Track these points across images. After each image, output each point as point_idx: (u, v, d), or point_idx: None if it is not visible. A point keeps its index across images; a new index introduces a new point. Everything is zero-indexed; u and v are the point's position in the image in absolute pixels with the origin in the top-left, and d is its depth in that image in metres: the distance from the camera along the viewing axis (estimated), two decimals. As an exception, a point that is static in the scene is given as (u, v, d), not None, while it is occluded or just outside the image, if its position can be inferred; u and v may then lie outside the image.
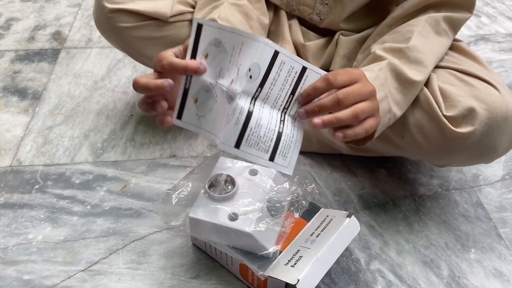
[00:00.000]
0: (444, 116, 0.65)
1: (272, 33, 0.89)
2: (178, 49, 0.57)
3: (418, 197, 0.84)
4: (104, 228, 0.77)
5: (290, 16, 0.88)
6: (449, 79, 0.70)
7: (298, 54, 0.89)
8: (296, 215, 0.66)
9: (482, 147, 0.66)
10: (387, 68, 0.64)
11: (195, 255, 0.73)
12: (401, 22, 0.73)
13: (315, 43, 0.86)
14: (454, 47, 0.77)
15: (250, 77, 0.52)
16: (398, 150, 0.75)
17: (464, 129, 0.64)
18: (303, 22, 0.88)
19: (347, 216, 0.67)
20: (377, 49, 0.68)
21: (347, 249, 0.74)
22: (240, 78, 0.53)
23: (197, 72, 0.53)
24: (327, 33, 0.88)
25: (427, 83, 0.69)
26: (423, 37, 0.69)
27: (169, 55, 0.55)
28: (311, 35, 0.88)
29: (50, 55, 1.19)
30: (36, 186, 0.84)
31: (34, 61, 1.17)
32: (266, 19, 0.83)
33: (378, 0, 0.82)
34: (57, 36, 1.27)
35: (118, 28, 0.80)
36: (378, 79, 0.62)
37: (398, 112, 0.66)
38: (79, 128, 0.97)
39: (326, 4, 0.81)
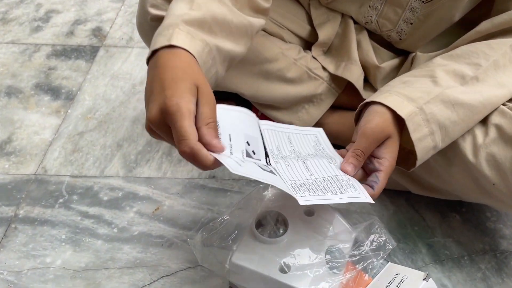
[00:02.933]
0: None
1: (336, 49, 0.77)
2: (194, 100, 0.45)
3: (500, 253, 0.70)
4: (130, 258, 0.67)
5: (359, 29, 0.76)
6: None
7: (368, 76, 0.77)
8: (366, 276, 0.54)
9: None
10: (438, 100, 0.55)
11: (232, 303, 0.62)
12: (485, 38, 0.62)
13: (389, 64, 0.74)
14: None
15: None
16: (487, 198, 0.62)
17: None
18: (373, 37, 0.77)
19: (423, 279, 0.54)
20: (438, 65, 0.59)
21: (414, 313, 0.62)
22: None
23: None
24: (402, 51, 0.76)
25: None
26: (497, 67, 0.57)
27: (190, 131, 0.43)
28: (383, 52, 0.76)
29: (88, 53, 1.11)
30: (60, 200, 0.76)
31: (71, 58, 1.09)
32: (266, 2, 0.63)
33: (463, 20, 0.69)
34: (97, 32, 1.19)
35: None
36: (420, 115, 0.54)
37: (450, 140, 0.58)
38: (112, 136, 0.88)
39: (411, 23, 0.68)
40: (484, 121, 0.59)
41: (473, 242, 0.72)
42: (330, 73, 0.77)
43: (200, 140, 0.44)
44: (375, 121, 0.54)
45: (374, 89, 0.76)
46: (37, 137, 0.87)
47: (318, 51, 0.78)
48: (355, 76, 0.74)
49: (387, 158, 0.54)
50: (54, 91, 0.99)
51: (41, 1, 1.31)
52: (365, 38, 0.76)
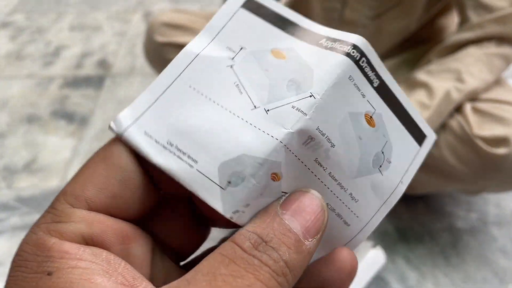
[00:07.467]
0: (476, 136, 0.67)
1: None
2: None
3: (456, 231, 0.84)
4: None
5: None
6: (484, 106, 0.71)
7: None
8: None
9: None
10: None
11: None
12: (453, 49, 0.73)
13: None
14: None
15: None
16: (436, 179, 0.75)
17: (498, 151, 0.65)
18: None
19: (372, 247, 0.68)
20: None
21: (383, 280, 0.75)
22: None
23: None
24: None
25: (460, 109, 0.71)
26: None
27: None
28: None
29: (96, 82, 1.25)
30: (83, 207, 0.89)
31: (81, 87, 1.23)
32: None
33: (415, 35, 0.84)
34: (103, 63, 1.34)
35: (168, 60, 0.85)
36: None
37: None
38: (123, 152, 1.02)
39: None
40: None
41: (433, 223, 0.85)
42: None
43: None
44: None
45: None
46: (59, 156, 1.01)
47: None
48: None
49: None
50: (69, 117, 1.13)
51: (50, 38, 1.46)
52: None
